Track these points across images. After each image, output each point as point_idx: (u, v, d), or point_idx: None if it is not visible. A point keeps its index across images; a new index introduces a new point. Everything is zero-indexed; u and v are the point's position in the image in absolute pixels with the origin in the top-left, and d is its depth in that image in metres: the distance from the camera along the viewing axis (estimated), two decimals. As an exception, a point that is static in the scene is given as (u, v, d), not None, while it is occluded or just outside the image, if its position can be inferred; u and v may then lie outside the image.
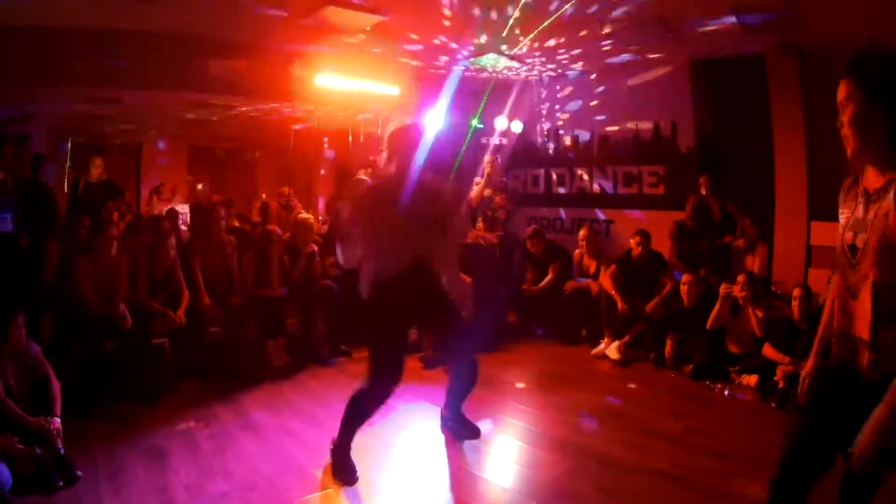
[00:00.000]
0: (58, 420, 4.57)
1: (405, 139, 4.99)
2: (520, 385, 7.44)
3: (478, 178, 10.46)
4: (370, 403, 4.90)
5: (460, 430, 5.67)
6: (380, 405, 4.93)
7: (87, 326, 6.15)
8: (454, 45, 9.27)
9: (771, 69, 8.78)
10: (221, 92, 9.41)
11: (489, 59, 9.94)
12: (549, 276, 9.69)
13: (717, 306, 7.54)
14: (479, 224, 10.21)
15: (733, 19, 7.49)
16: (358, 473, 4.86)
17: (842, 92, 2.64)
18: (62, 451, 4.47)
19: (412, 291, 4.81)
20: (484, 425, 5.87)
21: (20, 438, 4.27)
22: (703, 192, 9.29)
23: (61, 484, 4.35)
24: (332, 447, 4.95)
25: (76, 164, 12.77)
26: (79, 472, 4.48)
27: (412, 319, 5.40)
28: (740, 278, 7.46)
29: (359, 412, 4.92)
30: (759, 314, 7.23)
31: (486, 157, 10.50)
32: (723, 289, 7.52)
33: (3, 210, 7.02)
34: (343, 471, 4.87)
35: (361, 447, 5.16)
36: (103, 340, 6.16)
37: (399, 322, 5.03)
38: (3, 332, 4.64)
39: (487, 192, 10.34)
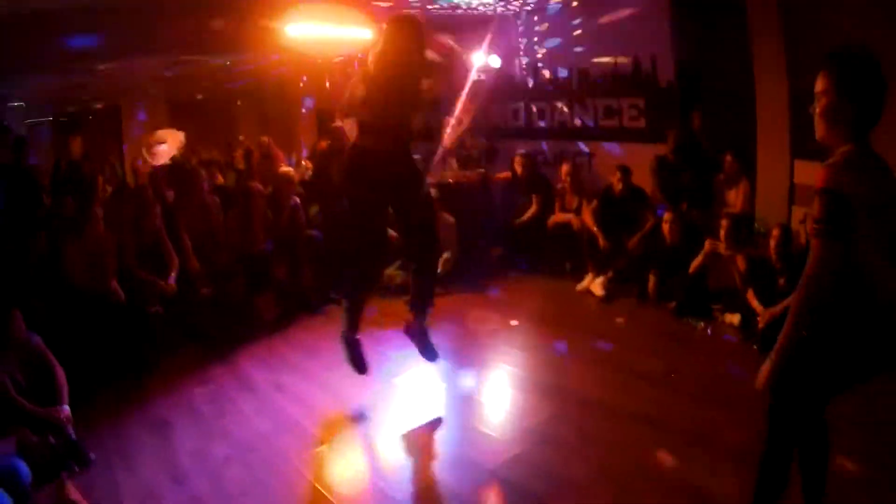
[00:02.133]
0: (66, 408, 4.68)
1: (399, 31, 4.83)
2: (509, 324, 7.56)
3: (450, 119, 10.47)
4: (354, 284, 5.30)
5: (421, 346, 5.57)
6: (363, 285, 5.32)
7: (80, 306, 6.21)
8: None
9: (750, 2, 8.69)
10: (194, 52, 9.41)
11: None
12: (533, 208, 9.74)
13: (699, 257, 7.58)
14: (454, 164, 10.27)
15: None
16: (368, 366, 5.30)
17: (819, 84, 2.89)
18: (74, 438, 4.59)
19: (389, 164, 4.90)
20: (469, 378, 6.05)
21: (32, 430, 4.39)
22: (695, 127, 9.35)
23: (77, 469, 4.48)
24: (340, 337, 5.30)
25: (58, 137, 12.75)
26: (92, 456, 4.63)
27: (388, 196, 5.16)
28: (724, 224, 7.46)
29: (350, 298, 5.28)
30: (742, 266, 7.23)
31: (459, 103, 10.44)
32: (707, 245, 7.53)
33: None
34: (354, 361, 5.28)
35: (351, 398, 5.51)
36: (97, 318, 6.19)
37: (374, 196, 5.04)
38: (3, 330, 4.70)
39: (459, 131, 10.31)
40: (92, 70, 9.77)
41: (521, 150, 10.29)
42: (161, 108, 15.36)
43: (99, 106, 14.56)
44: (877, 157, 2.83)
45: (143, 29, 8.48)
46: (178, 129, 14.10)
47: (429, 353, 5.56)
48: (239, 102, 16.88)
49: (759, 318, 6.71)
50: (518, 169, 10.01)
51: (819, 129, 2.95)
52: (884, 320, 2.85)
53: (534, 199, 9.77)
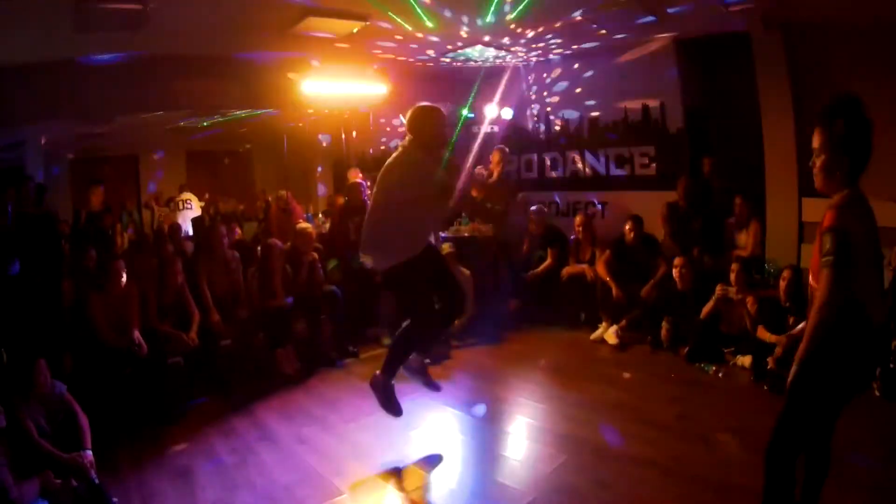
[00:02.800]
0: (90, 453, 4.75)
1: (427, 119, 5.31)
2: (524, 375, 7.62)
3: (481, 168, 10.54)
4: (425, 332, 5.53)
5: (423, 380, 5.87)
6: (433, 335, 5.73)
7: (105, 359, 6.33)
8: (437, 40, 9.44)
9: (756, 46, 8.84)
10: (213, 108, 9.62)
11: (474, 51, 10.09)
12: (548, 262, 9.79)
13: (710, 303, 7.68)
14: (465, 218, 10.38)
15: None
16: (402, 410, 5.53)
17: (815, 141, 3.29)
18: (96, 482, 4.65)
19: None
20: (485, 429, 6.14)
21: (56, 473, 4.50)
22: (706, 173, 9.50)
23: (100, 513, 4.58)
24: (374, 382, 5.55)
25: (76, 185, 12.92)
26: (115, 500, 4.70)
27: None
28: (734, 268, 7.60)
29: (409, 343, 5.54)
30: (752, 309, 7.33)
31: (495, 154, 10.54)
32: (718, 290, 7.63)
33: (7, 254, 7.21)
34: (390, 405, 5.49)
35: (370, 449, 5.61)
36: (121, 370, 6.33)
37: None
38: (29, 379, 4.81)
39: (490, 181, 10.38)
40: (110, 120, 9.96)
41: (534, 207, 10.30)
42: (179, 158, 15.57)
43: (117, 154, 14.73)
44: (865, 199, 3.25)
45: (162, 84, 8.69)
46: (196, 179, 14.38)
47: (434, 384, 5.88)
48: (255, 153, 17.06)
49: (777, 346, 6.82)
50: (531, 226, 10.10)
51: (818, 180, 3.36)
52: (875, 337, 3.32)
53: (549, 253, 9.82)
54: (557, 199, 11.88)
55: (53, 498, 4.32)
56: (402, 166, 5.24)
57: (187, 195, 13.11)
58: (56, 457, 4.56)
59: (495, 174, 10.36)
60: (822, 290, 3.12)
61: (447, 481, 5.19)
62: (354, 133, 13.14)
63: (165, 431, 6.17)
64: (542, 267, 9.83)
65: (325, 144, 14.60)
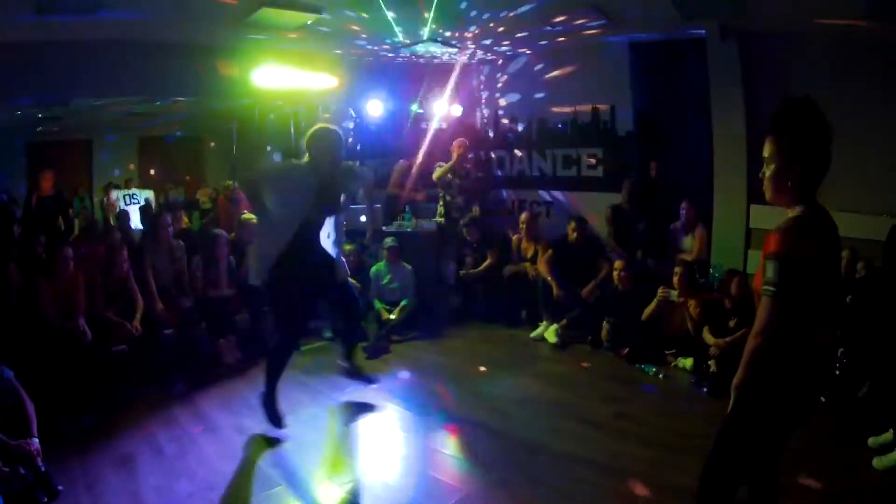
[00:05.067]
0: (36, 440, 4.74)
1: (321, 141, 5.67)
2: (463, 371, 7.67)
3: (440, 162, 10.54)
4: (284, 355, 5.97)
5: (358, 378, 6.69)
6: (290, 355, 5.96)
7: (51, 344, 6.31)
8: (392, 36, 9.46)
9: (710, 52, 8.93)
10: (162, 95, 9.59)
11: (426, 47, 10.12)
12: (488, 261, 9.85)
13: (652, 305, 7.80)
14: (440, 209, 10.40)
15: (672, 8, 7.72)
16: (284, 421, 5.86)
17: (767, 149, 3.10)
18: (43, 469, 4.67)
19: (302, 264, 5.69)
20: (422, 425, 6.20)
21: (3, 461, 4.49)
22: (653, 176, 9.64)
23: (45, 500, 4.58)
24: (261, 399, 5.91)
25: (31, 168, 12.78)
26: (60, 487, 4.71)
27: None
28: (677, 270, 7.68)
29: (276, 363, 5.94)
30: (695, 312, 7.46)
31: (455, 142, 10.53)
32: (660, 292, 7.74)
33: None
34: (274, 417, 5.88)
35: (307, 442, 5.70)
36: (67, 355, 6.32)
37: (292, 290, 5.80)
38: None
39: (450, 176, 10.38)
40: (64, 103, 9.89)
41: (466, 217, 10.33)
42: (131, 143, 15.45)
43: (71, 138, 14.58)
44: (823, 217, 3.03)
45: (115, 69, 8.66)
46: (148, 165, 14.27)
47: (368, 378, 6.74)
48: (207, 142, 16.97)
49: (711, 349, 6.99)
50: (467, 236, 10.15)
51: (769, 193, 3.15)
52: (819, 361, 3.09)
53: (488, 254, 9.90)
54: (504, 196, 11.95)
55: (1, 484, 4.31)
56: None
57: (133, 188, 13.02)
58: (4, 444, 4.55)
59: (453, 161, 10.33)
60: (760, 319, 2.95)
61: (382, 475, 5.26)
62: (303, 125, 13.09)
63: (108, 419, 6.14)
64: (481, 267, 9.92)
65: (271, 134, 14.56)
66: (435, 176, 10.26)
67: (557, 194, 11.36)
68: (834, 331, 3.25)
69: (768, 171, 3.10)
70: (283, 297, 5.80)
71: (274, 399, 5.89)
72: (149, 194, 12.81)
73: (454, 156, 10.28)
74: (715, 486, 3.25)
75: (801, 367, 3.01)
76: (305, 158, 5.61)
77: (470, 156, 10.85)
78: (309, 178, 5.53)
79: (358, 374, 6.63)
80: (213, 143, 16.95)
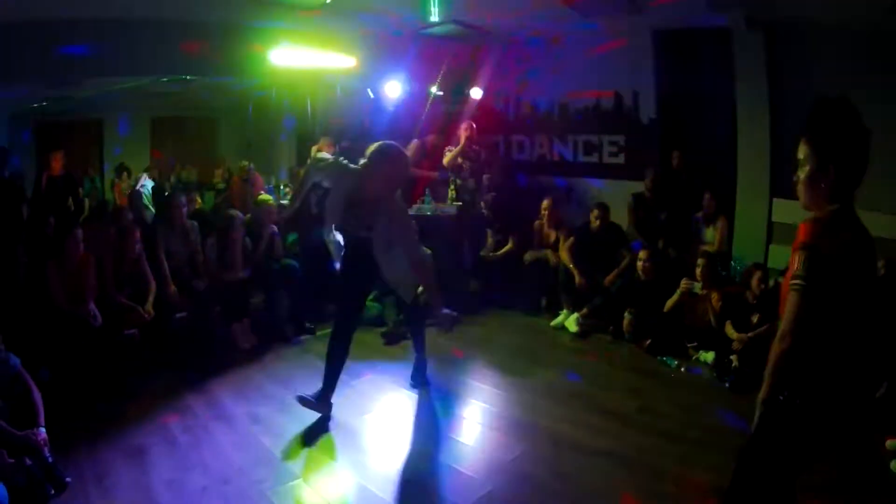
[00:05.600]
0: (43, 430, 4.61)
1: (387, 165, 5.38)
2: (480, 362, 7.52)
3: (450, 147, 10.46)
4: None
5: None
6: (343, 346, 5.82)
7: (60, 329, 6.17)
8: (412, 17, 9.33)
9: (736, 43, 8.81)
10: (180, 73, 9.45)
11: (447, 28, 9.97)
12: (509, 245, 9.77)
13: (675, 296, 7.68)
14: (451, 193, 10.29)
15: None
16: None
17: (801, 151, 2.94)
18: (50, 460, 4.51)
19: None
20: (441, 414, 6.15)
21: (8, 452, 4.36)
22: (675, 166, 9.46)
23: (53, 492, 4.42)
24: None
25: (40, 149, 12.64)
26: (68, 479, 4.54)
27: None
28: (700, 262, 7.59)
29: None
30: (717, 305, 7.36)
31: (463, 125, 10.45)
32: (684, 284, 7.63)
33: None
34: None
35: (324, 432, 5.63)
36: (76, 340, 6.17)
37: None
38: None
39: (460, 160, 10.32)
40: (77, 83, 9.77)
41: (489, 196, 10.36)
42: (144, 124, 15.34)
43: (82, 119, 14.49)
44: (855, 221, 2.84)
45: (129, 48, 8.50)
46: (160, 146, 14.16)
47: (427, 379, 6.64)
48: (220, 121, 16.83)
49: (733, 344, 6.87)
50: (490, 215, 10.10)
51: (802, 196, 2.99)
52: (852, 377, 2.85)
53: (510, 238, 9.84)
54: (522, 181, 11.76)
55: (6, 476, 4.17)
56: None
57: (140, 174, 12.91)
58: (9, 435, 4.42)
59: (462, 144, 10.22)
60: (786, 318, 2.76)
61: (403, 467, 5.12)
62: (321, 106, 12.98)
63: (119, 407, 6.00)
64: (501, 250, 9.83)
65: (287, 114, 14.43)
66: (445, 161, 10.16)
67: (578, 181, 11.18)
68: (870, 339, 2.95)
69: (802, 173, 2.96)
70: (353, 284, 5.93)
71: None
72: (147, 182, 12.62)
73: (462, 139, 10.16)
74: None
75: (834, 377, 2.82)
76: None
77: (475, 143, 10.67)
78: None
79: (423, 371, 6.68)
80: (227, 124, 16.82)
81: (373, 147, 5.38)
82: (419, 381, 6.60)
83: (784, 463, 2.94)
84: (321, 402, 5.78)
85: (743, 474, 3.03)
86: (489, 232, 10.15)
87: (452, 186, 10.27)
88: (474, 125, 10.32)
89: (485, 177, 10.50)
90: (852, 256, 2.75)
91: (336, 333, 5.93)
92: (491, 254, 9.88)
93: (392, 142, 5.45)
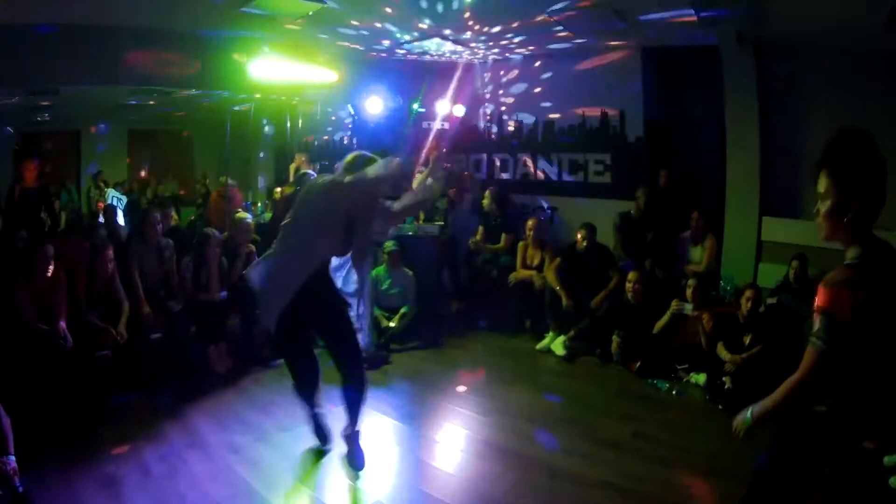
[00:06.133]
0: (13, 458, 4.41)
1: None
2: (462, 388, 7.29)
3: (420, 167, 10.37)
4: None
5: (349, 451, 5.32)
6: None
7: (28, 348, 5.96)
8: (396, 31, 9.22)
9: (726, 61, 8.76)
10: (157, 84, 9.29)
11: (432, 44, 9.84)
12: (502, 244, 9.83)
13: (665, 318, 7.58)
14: (421, 214, 10.17)
15: (691, 12, 7.43)
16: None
17: (821, 185, 2.91)
18: (21, 489, 4.33)
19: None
20: (426, 443, 5.90)
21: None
22: (662, 185, 9.39)
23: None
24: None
25: (16, 158, 12.42)
26: (40, 509, 4.35)
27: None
28: (691, 283, 7.51)
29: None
30: (708, 326, 7.25)
31: (428, 145, 10.37)
32: (674, 304, 7.52)
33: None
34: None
35: (304, 461, 5.39)
36: (46, 361, 5.95)
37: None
38: None
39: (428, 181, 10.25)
40: (54, 91, 9.62)
41: (490, 188, 10.30)
42: (121, 136, 15.24)
43: (59, 129, 14.39)
44: (883, 256, 2.85)
45: (106, 56, 8.37)
46: (137, 159, 14.03)
47: (356, 459, 5.26)
48: (197, 135, 16.74)
49: (726, 366, 6.80)
50: (486, 208, 10.07)
51: (823, 230, 2.98)
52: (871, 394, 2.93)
53: (504, 237, 9.85)
54: (505, 195, 11.63)
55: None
56: None
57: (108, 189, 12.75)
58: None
59: (431, 165, 10.17)
60: (803, 368, 2.85)
61: (389, 500, 4.88)
62: (300, 121, 12.85)
63: (92, 433, 5.78)
64: (496, 246, 9.86)
65: (266, 129, 14.32)
66: (414, 182, 10.06)
67: (562, 200, 11.07)
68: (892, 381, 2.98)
69: (823, 206, 2.95)
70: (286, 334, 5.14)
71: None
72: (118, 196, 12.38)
73: (430, 160, 10.11)
74: None
75: (856, 393, 2.94)
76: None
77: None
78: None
79: (352, 442, 5.39)
80: (204, 139, 16.71)
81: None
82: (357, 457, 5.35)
83: (799, 468, 3.06)
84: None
85: (760, 483, 3.16)
86: (481, 228, 10.13)
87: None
88: (442, 145, 10.28)
89: (466, 196, 10.40)
90: (872, 310, 2.75)
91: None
92: (479, 241, 9.91)
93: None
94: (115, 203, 11.23)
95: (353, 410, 5.28)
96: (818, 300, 2.82)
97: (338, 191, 4.76)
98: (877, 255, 2.84)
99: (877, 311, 2.75)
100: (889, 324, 2.80)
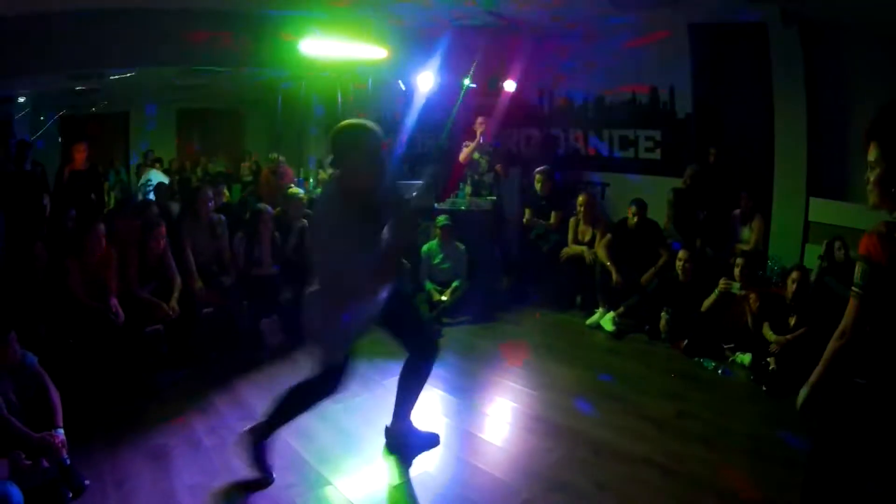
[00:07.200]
0: (61, 431, 4.52)
1: (351, 145, 4.18)
2: (514, 362, 7.31)
3: (467, 142, 10.39)
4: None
5: (413, 443, 5.23)
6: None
7: (80, 325, 6.07)
8: (445, 7, 9.24)
9: (773, 40, 8.64)
10: (207, 63, 9.34)
11: (481, 19, 9.82)
12: (552, 220, 9.77)
13: (713, 296, 7.52)
14: (468, 189, 10.18)
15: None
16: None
17: (871, 154, 2.90)
18: (68, 462, 4.42)
19: None
20: (475, 416, 5.94)
21: (26, 454, 4.25)
22: (711, 162, 9.32)
23: (70, 495, 4.34)
24: (251, 434, 4.79)
25: (65, 141, 12.55)
26: (86, 482, 4.46)
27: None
28: (739, 262, 7.44)
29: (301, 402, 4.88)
30: (755, 306, 7.18)
31: (478, 120, 10.39)
32: (722, 283, 7.47)
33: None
34: (261, 466, 4.77)
35: (355, 432, 5.51)
36: (97, 337, 6.07)
37: None
38: None
39: (476, 155, 10.27)
40: (102, 75, 9.71)
41: (541, 168, 10.08)
42: (170, 116, 15.33)
43: (107, 111, 14.50)
44: None
45: (156, 37, 8.44)
46: (186, 138, 14.13)
47: (424, 444, 5.28)
48: (247, 113, 16.80)
49: (771, 347, 6.75)
50: (538, 188, 9.94)
51: (873, 196, 2.95)
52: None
53: (553, 214, 9.79)
54: (558, 177, 11.58)
55: (22, 479, 4.06)
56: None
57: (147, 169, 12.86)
58: (26, 436, 4.32)
59: (477, 137, 10.16)
60: (845, 319, 2.93)
61: (437, 471, 4.98)
62: (351, 98, 12.88)
63: (141, 407, 5.91)
64: (549, 221, 9.82)
65: (317, 107, 14.36)
66: (461, 157, 10.06)
67: (613, 176, 11.10)
68: None
69: (872, 175, 2.93)
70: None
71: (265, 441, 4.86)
72: (162, 178, 12.39)
73: (478, 134, 10.08)
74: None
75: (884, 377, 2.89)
76: (330, 172, 4.67)
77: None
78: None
79: (417, 439, 5.31)
80: (254, 116, 16.78)
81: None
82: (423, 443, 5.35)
83: (853, 451, 3.00)
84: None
85: (817, 467, 3.14)
86: (528, 210, 10.07)
87: (469, 182, 10.27)
88: (489, 119, 10.27)
89: (487, 176, 10.48)
90: None
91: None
92: (539, 221, 9.83)
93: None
94: (149, 185, 11.30)
95: (414, 399, 5.15)
96: (860, 248, 2.89)
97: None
98: None
99: None
100: None
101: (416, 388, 5.08)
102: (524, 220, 9.95)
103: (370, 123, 4.21)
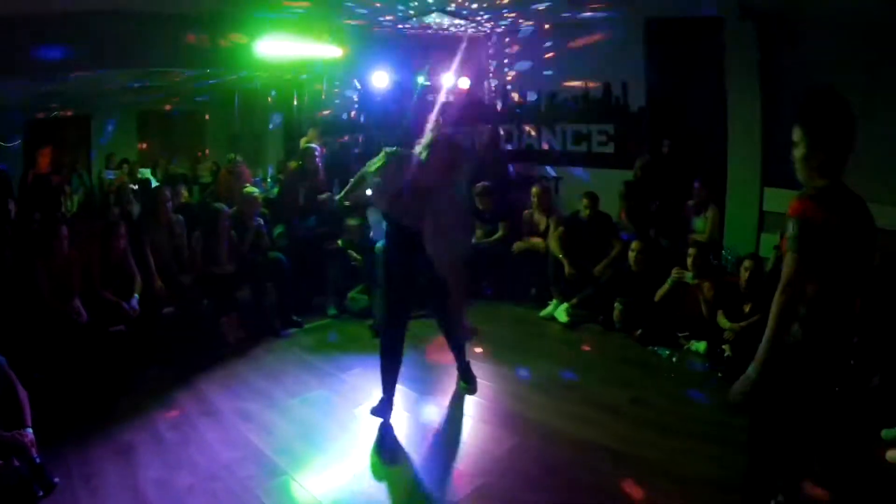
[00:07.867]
0: (30, 431, 4.54)
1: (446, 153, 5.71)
2: (469, 354, 7.03)
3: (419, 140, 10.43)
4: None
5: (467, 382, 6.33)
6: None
7: (45, 325, 6.08)
8: (400, 6, 9.24)
9: (728, 32, 8.74)
10: (165, 65, 9.35)
11: (434, 17, 9.90)
12: (500, 233, 9.69)
13: (666, 286, 7.65)
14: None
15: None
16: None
17: (796, 135, 3.35)
18: (38, 461, 4.46)
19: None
20: (431, 408, 6.10)
21: (-3, 454, 4.30)
22: (666, 154, 9.44)
23: (41, 493, 4.38)
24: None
25: (29, 145, 12.49)
26: (56, 479, 4.51)
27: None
28: (691, 252, 7.56)
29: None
30: (709, 293, 7.29)
31: (430, 117, 10.45)
32: (675, 273, 7.60)
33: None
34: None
35: (313, 427, 5.60)
36: (62, 337, 6.08)
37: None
38: None
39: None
40: (64, 78, 9.69)
41: (479, 185, 9.88)
42: (131, 118, 15.27)
43: (69, 114, 14.42)
44: (848, 193, 3.20)
45: (116, 40, 8.41)
46: (147, 140, 14.07)
47: (472, 384, 6.34)
48: (206, 115, 16.76)
49: (726, 334, 6.86)
50: (479, 205, 9.85)
51: (799, 172, 3.36)
52: (835, 337, 3.25)
53: (500, 227, 9.73)
54: (511, 170, 11.68)
55: (-4, 478, 4.13)
56: None
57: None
58: (-3, 436, 4.36)
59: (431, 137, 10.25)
60: (784, 274, 3.12)
61: (393, 461, 5.11)
62: (306, 98, 12.92)
63: (107, 404, 5.96)
64: (494, 237, 9.73)
65: (274, 107, 14.35)
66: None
67: (566, 170, 11.16)
68: (853, 305, 3.34)
69: (797, 153, 3.34)
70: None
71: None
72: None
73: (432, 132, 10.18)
74: (759, 465, 3.46)
75: (820, 333, 3.19)
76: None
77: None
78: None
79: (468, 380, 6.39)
80: (214, 117, 16.75)
81: (429, 137, 5.61)
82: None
83: (790, 401, 3.26)
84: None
85: (757, 418, 3.47)
86: (476, 222, 9.95)
87: None
88: (440, 119, 10.34)
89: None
90: (839, 229, 3.08)
91: (388, 333, 5.92)
92: (482, 240, 9.73)
93: (448, 132, 5.54)
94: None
95: (463, 351, 6.34)
96: (791, 209, 3.16)
97: None
98: (841, 191, 3.19)
99: (842, 232, 3.08)
100: (854, 251, 3.16)
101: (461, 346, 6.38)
102: (474, 239, 9.85)
103: None
